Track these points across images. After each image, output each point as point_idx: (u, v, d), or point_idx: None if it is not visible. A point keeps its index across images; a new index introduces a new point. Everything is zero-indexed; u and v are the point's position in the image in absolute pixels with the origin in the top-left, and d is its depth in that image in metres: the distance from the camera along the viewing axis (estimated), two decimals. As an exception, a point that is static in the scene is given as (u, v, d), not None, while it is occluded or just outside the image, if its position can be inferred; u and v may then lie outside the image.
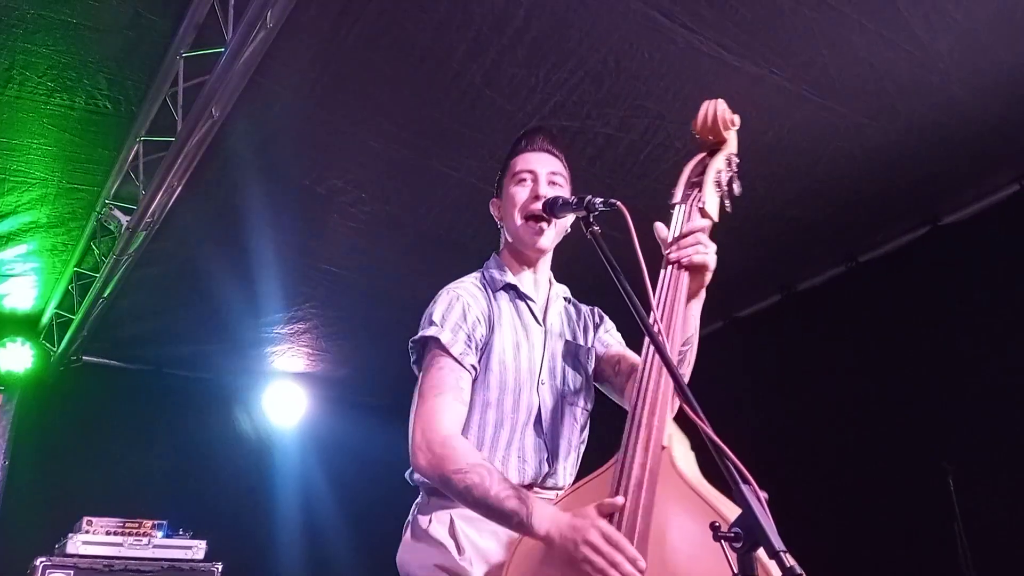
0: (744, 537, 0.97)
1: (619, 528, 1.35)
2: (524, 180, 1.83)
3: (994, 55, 3.07)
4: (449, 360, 1.67)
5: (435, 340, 1.69)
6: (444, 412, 1.61)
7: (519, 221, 1.81)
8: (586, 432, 1.86)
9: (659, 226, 1.66)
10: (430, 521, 1.67)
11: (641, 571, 1.30)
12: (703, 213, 1.68)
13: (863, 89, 3.22)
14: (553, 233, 1.82)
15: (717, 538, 0.99)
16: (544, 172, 1.83)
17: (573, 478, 1.78)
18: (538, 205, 1.77)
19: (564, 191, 1.84)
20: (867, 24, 2.90)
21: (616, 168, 3.69)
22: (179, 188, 3.56)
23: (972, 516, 3.38)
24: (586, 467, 1.77)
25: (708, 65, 3.06)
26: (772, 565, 0.95)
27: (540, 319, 1.85)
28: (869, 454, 4.11)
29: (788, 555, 0.93)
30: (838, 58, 3.05)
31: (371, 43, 3.01)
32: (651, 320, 1.43)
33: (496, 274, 1.86)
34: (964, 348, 3.85)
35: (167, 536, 4.24)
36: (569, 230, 1.87)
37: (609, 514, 1.38)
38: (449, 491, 1.56)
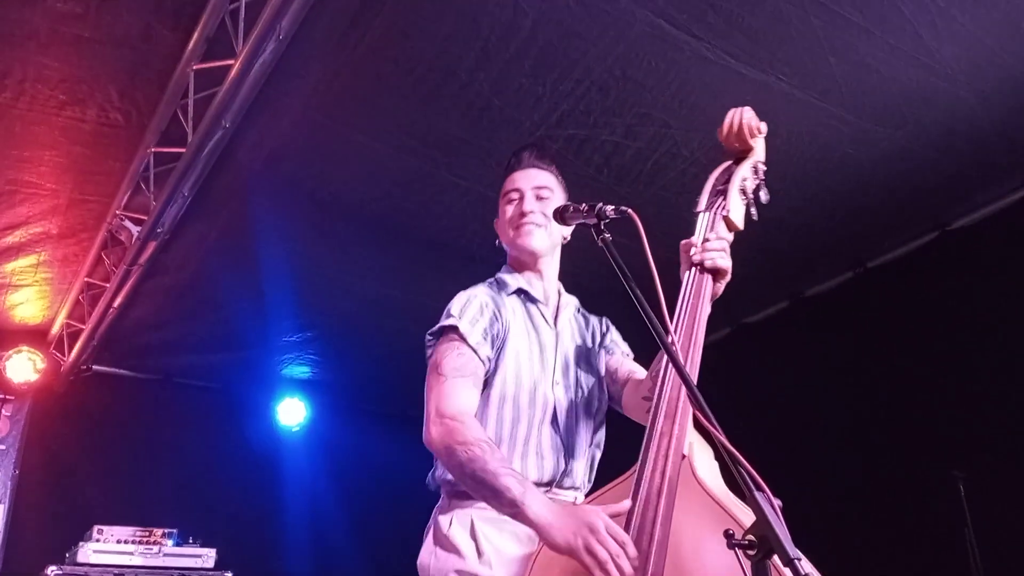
0: (758, 545, 0.98)
1: (637, 537, 1.35)
2: (512, 199, 1.92)
3: (1001, 60, 3.06)
4: (467, 348, 1.72)
5: (453, 328, 1.75)
6: (462, 392, 1.67)
7: (511, 233, 1.90)
8: (602, 435, 1.90)
9: (684, 242, 1.70)
10: (451, 523, 1.69)
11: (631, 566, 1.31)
12: (727, 221, 1.70)
13: (870, 96, 3.22)
14: (545, 235, 1.87)
15: (731, 546, 1.00)
16: (529, 188, 1.90)
17: (589, 479, 1.82)
18: (524, 219, 1.86)
19: (552, 200, 1.90)
20: (873, 31, 2.90)
21: (623, 176, 3.70)
22: (189, 199, 3.58)
23: (983, 522, 3.37)
24: (602, 477, 1.78)
25: (715, 73, 3.07)
26: (787, 573, 0.95)
27: (551, 322, 1.91)
28: (879, 460, 4.10)
29: (803, 562, 0.93)
30: (845, 65, 3.06)
31: (379, 54, 3.03)
32: (669, 328, 1.44)
33: (507, 279, 1.92)
34: (974, 354, 3.83)
35: (177, 544, 4.26)
36: (568, 238, 1.94)
37: (617, 515, 1.40)
38: (451, 464, 1.59)
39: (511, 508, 1.46)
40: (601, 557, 1.32)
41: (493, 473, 1.49)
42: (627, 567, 1.31)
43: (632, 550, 1.32)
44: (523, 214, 1.86)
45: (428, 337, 1.82)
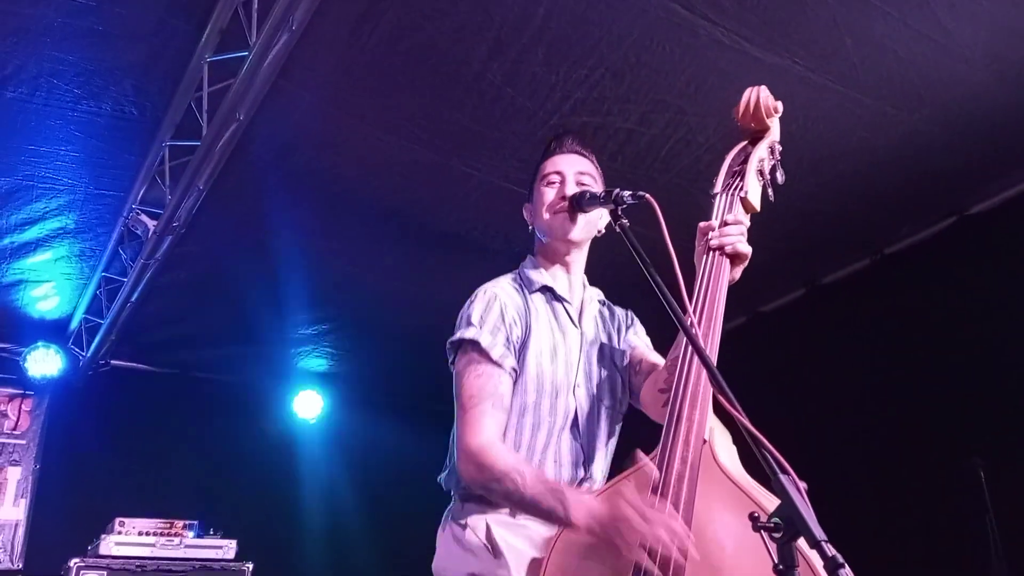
0: (784, 527, 0.97)
1: None
2: (552, 182, 1.85)
3: (1020, 41, 3.02)
4: (488, 365, 1.68)
5: (474, 344, 1.69)
6: (481, 421, 1.62)
7: (547, 217, 1.82)
8: (618, 432, 1.87)
9: (702, 225, 1.67)
10: (465, 527, 1.68)
11: (676, 525, 1.30)
12: (745, 202, 1.67)
13: (887, 79, 3.19)
14: (583, 223, 1.81)
15: (757, 528, 0.99)
16: (572, 172, 1.84)
17: (606, 479, 1.79)
18: (565, 203, 1.79)
19: (594, 189, 1.84)
20: (891, 12, 2.87)
21: (637, 163, 3.67)
22: (205, 192, 3.59)
23: (1004, 509, 3.34)
24: (618, 459, 1.77)
25: (730, 57, 3.05)
26: (813, 555, 0.95)
27: (576, 321, 1.85)
28: (898, 448, 4.07)
29: (829, 545, 0.92)
30: (862, 47, 3.02)
31: (392, 45, 3.02)
32: (687, 312, 1.43)
33: (532, 275, 1.86)
34: (992, 340, 3.80)
35: (198, 536, 4.29)
36: (603, 231, 1.87)
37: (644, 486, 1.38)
38: (495, 497, 1.60)
39: (563, 525, 1.48)
40: (635, 548, 1.31)
41: (532, 500, 1.50)
42: (669, 532, 1.29)
43: (659, 512, 1.31)
44: (564, 198, 1.79)
45: (448, 346, 1.77)
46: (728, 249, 1.60)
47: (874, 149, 3.59)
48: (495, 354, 1.68)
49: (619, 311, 2.00)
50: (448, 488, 1.79)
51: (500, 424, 1.65)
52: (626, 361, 1.90)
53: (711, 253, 1.61)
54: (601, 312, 1.95)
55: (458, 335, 1.73)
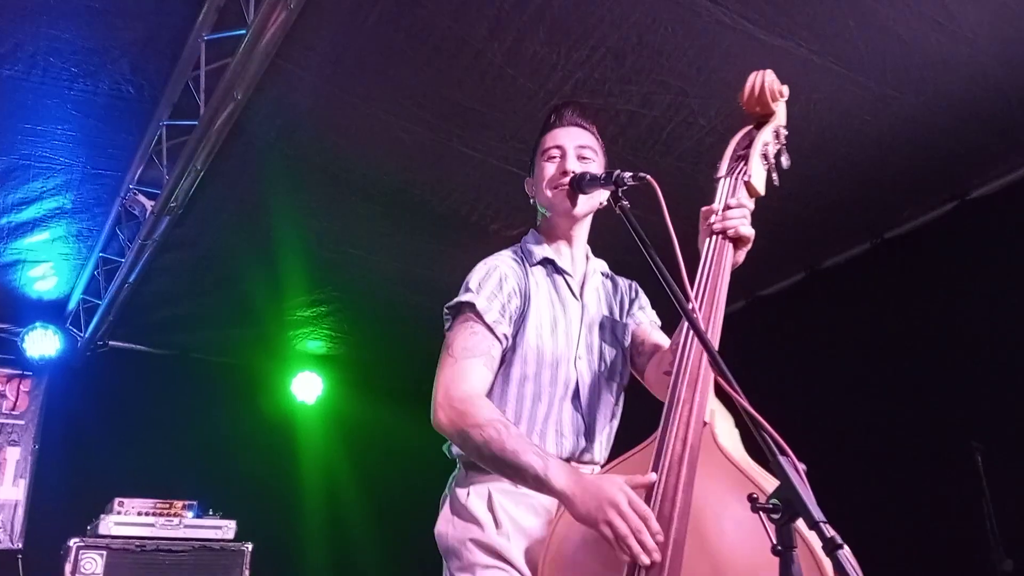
0: (783, 508, 0.97)
1: (659, 504, 1.34)
2: (553, 156, 1.84)
3: (1025, 24, 3.00)
4: (482, 327, 1.68)
5: (469, 305, 1.70)
6: (470, 373, 1.63)
7: (549, 193, 1.82)
8: (620, 406, 1.87)
9: (705, 209, 1.66)
10: (468, 495, 1.69)
11: (661, 545, 1.30)
12: (749, 187, 1.66)
13: (890, 61, 3.16)
14: (585, 199, 1.80)
15: (755, 510, 0.99)
16: (572, 146, 1.83)
17: (608, 452, 1.80)
18: (566, 179, 1.78)
19: (595, 163, 1.84)
20: (895, -6, 2.84)
21: (639, 145, 3.65)
22: (202, 172, 3.57)
23: (1001, 493, 3.35)
24: (618, 442, 1.77)
25: (732, 38, 3.02)
26: (812, 536, 0.95)
27: (577, 294, 1.85)
28: (896, 433, 4.08)
29: (828, 525, 0.92)
30: (865, 30, 3.00)
31: (391, 24, 2.99)
32: (688, 295, 1.42)
33: (533, 248, 1.86)
34: (993, 324, 3.79)
35: (198, 516, 4.31)
36: (605, 203, 1.84)
37: (641, 486, 1.38)
38: (468, 448, 1.57)
39: (536, 484, 1.47)
40: (621, 532, 1.31)
41: (513, 452, 1.48)
42: (649, 542, 1.30)
43: (654, 525, 1.31)
44: (565, 173, 1.78)
45: (446, 311, 1.78)
46: (731, 232, 1.60)
47: (875, 132, 3.57)
48: (489, 318, 1.69)
49: (622, 283, 1.99)
50: (452, 457, 1.79)
51: (486, 383, 1.66)
52: (629, 336, 1.90)
53: (714, 236, 1.61)
54: (604, 284, 1.94)
55: (456, 299, 1.75)
